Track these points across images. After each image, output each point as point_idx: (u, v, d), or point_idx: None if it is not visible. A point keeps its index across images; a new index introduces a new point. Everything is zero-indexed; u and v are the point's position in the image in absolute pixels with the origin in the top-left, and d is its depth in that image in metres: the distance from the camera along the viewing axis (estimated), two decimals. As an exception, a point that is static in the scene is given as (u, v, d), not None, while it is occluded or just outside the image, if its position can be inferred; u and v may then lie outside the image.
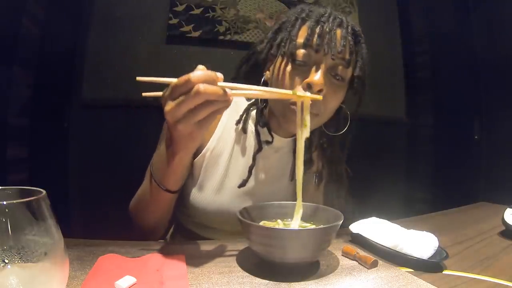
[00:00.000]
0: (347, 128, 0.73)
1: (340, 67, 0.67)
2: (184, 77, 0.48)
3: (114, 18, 1.60)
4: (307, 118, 0.58)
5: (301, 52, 0.66)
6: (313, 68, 0.67)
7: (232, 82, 0.81)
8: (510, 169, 1.49)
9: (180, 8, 1.67)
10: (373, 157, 1.90)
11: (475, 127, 1.82)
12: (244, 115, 0.77)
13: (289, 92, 0.56)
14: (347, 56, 0.67)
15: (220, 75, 0.50)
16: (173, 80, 0.49)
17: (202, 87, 0.46)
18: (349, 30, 0.68)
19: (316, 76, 0.65)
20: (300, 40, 0.67)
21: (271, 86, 0.71)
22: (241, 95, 0.56)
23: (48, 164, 1.38)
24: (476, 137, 1.81)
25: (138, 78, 0.51)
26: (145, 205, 0.69)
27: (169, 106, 0.49)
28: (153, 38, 1.66)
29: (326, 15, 0.69)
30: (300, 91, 0.64)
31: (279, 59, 0.70)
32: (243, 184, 0.74)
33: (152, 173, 0.65)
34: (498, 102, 1.69)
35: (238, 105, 0.78)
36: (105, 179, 1.51)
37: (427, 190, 2.00)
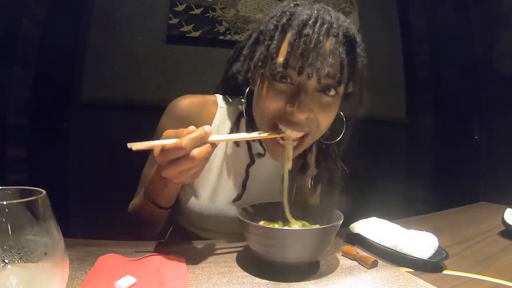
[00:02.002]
0: (343, 133, 0.68)
1: (329, 86, 0.58)
2: (176, 144, 0.48)
3: (114, 18, 1.60)
4: (290, 152, 0.60)
5: (281, 74, 0.58)
6: (298, 90, 0.58)
7: (224, 84, 0.80)
8: (510, 169, 1.49)
9: (180, 8, 1.67)
10: (373, 157, 1.90)
11: (475, 127, 1.82)
12: (234, 128, 0.73)
13: (276, 134, 0.58)
14: (337, 73, 0.57)
15: (208, 128, 0.50)
16: (165, 142, 0.49)
17: (196, 153, 0.48)
18: (340, 37, 0.57)
19: (299, 108, 0.56)
20: (280, 58, 0.57)
21: (255, 101, 0.65)
22: (227, 141, 0.57)
23: (48, 164, 1.38)
24: (476, 137, 1.81)
25: (129, 145, 0.49)
26: (141, 214, 0.70)
27: (163, 166, 0.50)
28: (153, 38, 1.66)
29: (311, 21, 0.56)
30: (284, 126, 0.59)
31: (260, 79, 0.62)
32: (238, 198, 0.73)
33: (145, 190, 0.65)
34: (498, 102, 1.69)
35: (229, 114, 0.75)
36: (105, 179, 1.51)
37: (427, 190, 2.01)
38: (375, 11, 2.04)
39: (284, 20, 0.58)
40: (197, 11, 1.70)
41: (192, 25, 1.69)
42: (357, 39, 0.60)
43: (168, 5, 1.66)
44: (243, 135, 0.57)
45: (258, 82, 0.63)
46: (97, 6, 1.60)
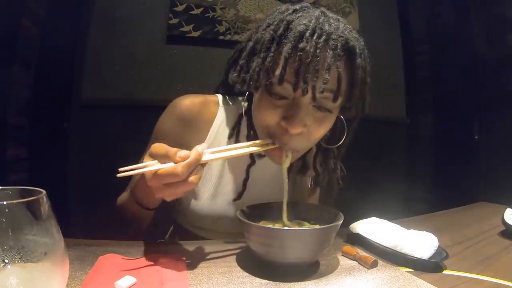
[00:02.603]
0: (344, 137, 0.67)
1: (325, 101, 0.57)
2: (172, 171, 0.47)
3: (114, 18, 1.60)
4: (289, 154, 0.60)
5: (277, 88, 0.56)
6: (293, 104, 0.57)
7: (224, 84, 0.79)
8: (510, 169, 1.49)
9: (180, 8, 1.67)
10: (373, 157, 1.90)
11: (475, 127, 1.82)
12: (236, 129, 0.72)
13: (274, 145, 0.59)
14: (334, 88, 0.55)
15: (201, 149, 0.50)
16: (155, 168, 0.49)
17: (193, 178, 0.49)
18: (339, 50, 0.54)
19: (293, 124, 0.56)
20: (276, 73, 0.55)
21: (253, 108, 0.65)
22: (221, 158, 0.56)
23: (48, 164, 1.38)
24: (476, 137, 1.81)
25: (120, 172, 0.50)
26: (127, 210, 0.70)
27: (156, 188, 0.50)
28: (153, 38, 1.66)
29: (308, 33, 0.53)
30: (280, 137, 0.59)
31: (256, 91, 0.61)
32: (238, 197, 0.73)
33: (132, 191, 0.66)
34: (498, 102, 1.69)
35: (230, 115, 0.75)
36: (105, 179, 1.50)
37: (427, 190, 2.01)
38: (375, 11, 2.04)
39: (280, 30, 0.56)
40: (197, 11, 1.70)
41: (192, 25, 1.69)
42: (357, 49, 0.56)
43: (168, 5, 1.66)
44: (233, 151, 0.56)
45: (254, 94, 0.63)
46: (97, 6, 1.60)
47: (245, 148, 0.58)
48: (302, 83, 0.53)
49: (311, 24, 0.54)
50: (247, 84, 0.59)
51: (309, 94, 0.54)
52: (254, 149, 0.58)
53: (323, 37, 0.53)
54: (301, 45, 0.53)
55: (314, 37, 0.53)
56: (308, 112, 0.57)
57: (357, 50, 0.56)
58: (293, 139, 0.58)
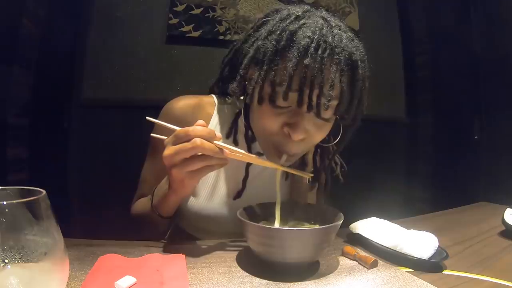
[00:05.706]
0: (340, 136, 0.68)
1: (327, 113, 0.58)
2: (185, 129, 0.52)
3: (114, 18, 1.60)
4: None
5: (280, 101, 0.57)
6: (294, 112, 0.58)
7: (219, 84, 0.79)
8: (510, 169, 1.49)
9: (180, 8, 1.67)
10: (373, 157, 1.90)
11: (475, 127, 1.82)
12: (233, 128, 0.73)
13: (279, 166, 0.61)
14: (337, 102, 0.57)
15: (219, 134, 0.54)
16: (177, 128, 0.54)
17: (199, 141, 0.51)
18: (342, 64, 0.55)
19: (296, 130, 0.57)
20: (281, 89, 0.55)
21: (252, 115, 0.66)
22: (236, 158, 0.57)
23: (48, 164, 1.38)
24: (476, 137, 1.81)
25: (148, 118, 0.59)
26: (142, 217, 0.71)
27: (168, 151, 0.53)
28: (153, 38, 1.67)
29: (312, 47, 0.53)
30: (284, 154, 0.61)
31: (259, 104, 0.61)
32: (238, 196, 0.74)
33: (151, 197, 0.67)
34: (498, 102, 1.69)
35: (226, 115, 0.75)
36: (105, 179, 1.51)
37: (427, 190, 2.01)
38: (375, 11, 2.04)
39: (283, 41, 0.55)
40: (197, 11, 1.70)
41: (192, 25, 1.69)
42: (359, 62, 0.57)
43: (168, 5, 1.67)
44: (251, 156, 0.60)
45: (254, 104, 0.62)
46: (97, 6, 1.60)
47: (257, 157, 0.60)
48: (306, 99, 0.54)
49: (315, 37, 0.54)
50: (250, 97, 0.60)
51: (313, 110, 0.55)
52: (266, 162, 0.61)
53: (327, 51, 0.54)
54: (305, 61, 0.53)
55: (319, 52, 0.53)
56: (309, 118, 0.58)
57: (359, 63, 0.57)
58: (295, 145, 0.60)
